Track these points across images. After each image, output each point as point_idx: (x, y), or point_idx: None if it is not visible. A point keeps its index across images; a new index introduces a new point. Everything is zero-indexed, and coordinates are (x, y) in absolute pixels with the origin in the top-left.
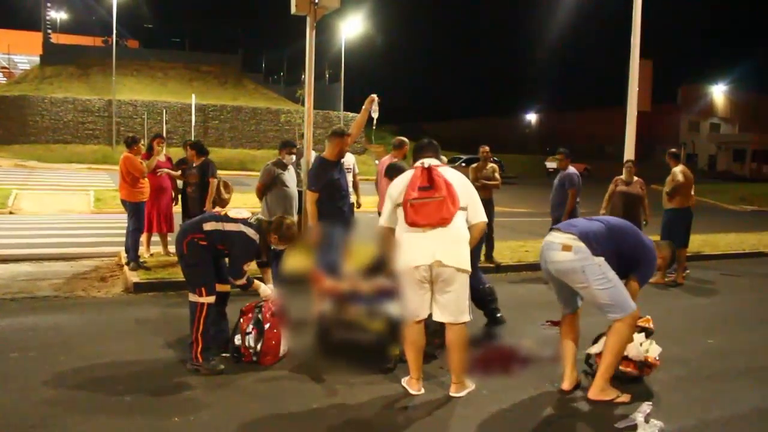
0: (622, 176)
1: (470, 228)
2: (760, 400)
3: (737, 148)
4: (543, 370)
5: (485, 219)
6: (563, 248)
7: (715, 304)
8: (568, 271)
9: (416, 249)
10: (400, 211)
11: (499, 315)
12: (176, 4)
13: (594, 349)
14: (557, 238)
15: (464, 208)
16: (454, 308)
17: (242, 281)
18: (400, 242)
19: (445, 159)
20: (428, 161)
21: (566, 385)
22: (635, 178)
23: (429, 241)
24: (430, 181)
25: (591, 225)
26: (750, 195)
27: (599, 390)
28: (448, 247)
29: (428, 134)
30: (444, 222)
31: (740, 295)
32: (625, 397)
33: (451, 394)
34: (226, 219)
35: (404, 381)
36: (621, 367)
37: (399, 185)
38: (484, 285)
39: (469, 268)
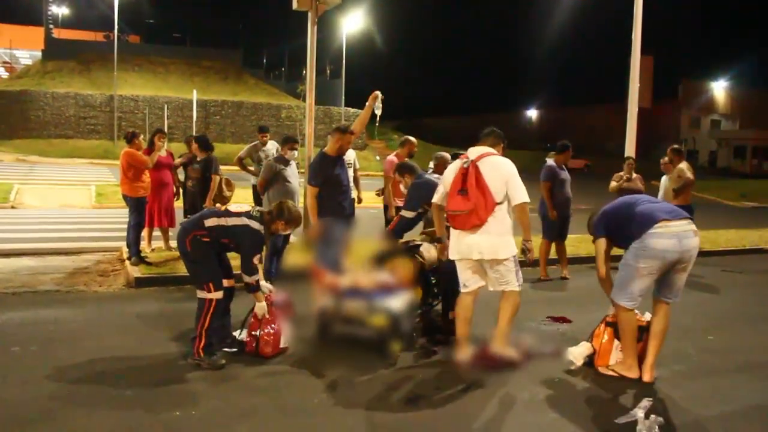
0: (622, 173)
1: (513, 209)
2: (760, 397)
3: (738, 144)
4: (544, 365)
5: (526, 199)
6: (694, 234)
7: (715, 300)
8: (694, 255)
9: (460, 244)
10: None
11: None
12: (177, 0)
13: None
14: (682, 226)
15: (502, 202)
16: (500, 282)
17: (253, 280)
18: (451, 229)
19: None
20: (475, 153)
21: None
22: (634, 175)
23: (469, 238)
24: (464, 183)
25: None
26: (750, 191)
27: (652, 368)
28: (484, 242)
29: (429, 130)
30: (476, 228)
31: (740, 291)
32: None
33: (491, 350)
34: (227, 214)
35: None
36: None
37: (448, 178)
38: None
39: (506, 254)
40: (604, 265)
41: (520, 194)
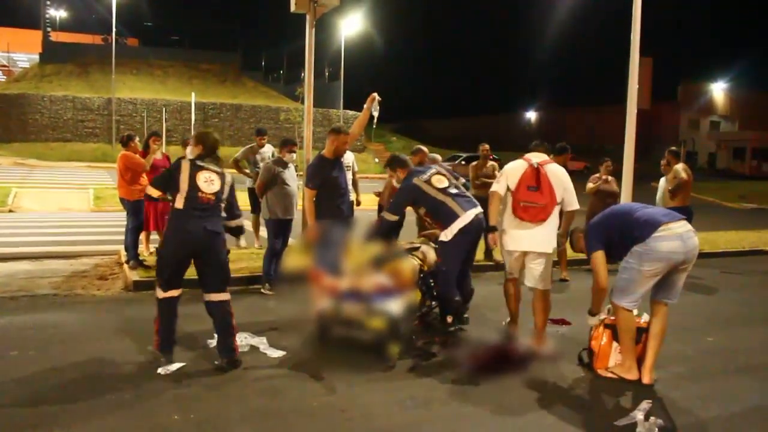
0: (600, 174)
1: (565, 213)
2: (760, 398)
3: (737, 145)
4: (543, 367)
5: (578, 207)
6: (694, 233)
7: (714, 302)
8: (696, 255)
9: (516, 237)
10: (509, 195)
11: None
12: (176, 2)
13: None
14: (682, 226)
15: (560, 203)
16: (539, 277)
17: (243, 222)
18: (507, 220)
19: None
20: (537, 158)
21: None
22: (610, 177)
23: (527, 231)
24: (537, 181)
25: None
26: (750, 193)
27: (651, 370)
28: (540, 236)
29: (428, 132)
30: (542, 221)
31: (740, 293)
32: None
33: (533, 343)
34: (223, 198)
35: (506, 323)
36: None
37: (515, 174)
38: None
39: (551, 249)
40: (604, 275)
41: (575, 202)
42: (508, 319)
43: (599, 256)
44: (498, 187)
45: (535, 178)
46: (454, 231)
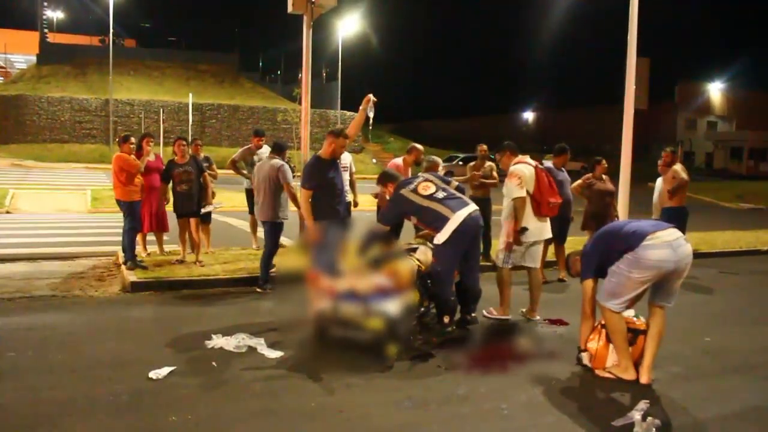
0: (595, 174)
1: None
2: (757, 398)
3: (734, 145)
4: (541, 367)
5: None
6: (685, 241)
7: (712, 302)
8: (690, 264)
9: (537, 229)
10: (529, 199)
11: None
12: (173, 3)
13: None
14: (671, 234)
15: None
16: (536, 259)
17: None
18: (528, 218)
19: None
20: (531, 160)
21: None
22: (604, 176)
23: (543, 224)
24: (549, 181)
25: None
26: (747, 193)
27: (649, 370)
28: (548, 226)
29: (426, 132)
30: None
31: (737, 293)
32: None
33: (529, 317)
34: None
35: (493, 310)
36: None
37: (531, 178)
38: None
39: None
40: (591, 306)
41: None
42: (501, 315)
43: (588, 286)
44: (523, 192)
45: (547, 178)
46: (447, 233)
